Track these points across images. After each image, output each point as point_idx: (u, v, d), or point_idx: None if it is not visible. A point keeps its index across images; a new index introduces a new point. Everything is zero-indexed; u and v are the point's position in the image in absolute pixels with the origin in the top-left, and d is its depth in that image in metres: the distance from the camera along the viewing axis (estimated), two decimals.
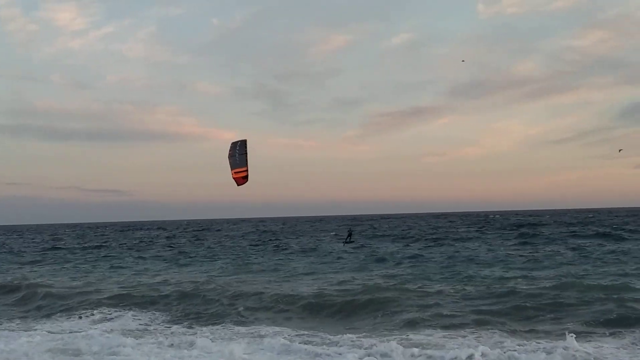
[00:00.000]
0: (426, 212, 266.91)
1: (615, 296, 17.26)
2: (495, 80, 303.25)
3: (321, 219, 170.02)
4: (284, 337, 13.91)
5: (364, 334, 14.47)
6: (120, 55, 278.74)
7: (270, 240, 57.68)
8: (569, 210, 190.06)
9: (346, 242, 46.18)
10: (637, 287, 19.19)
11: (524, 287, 19.65)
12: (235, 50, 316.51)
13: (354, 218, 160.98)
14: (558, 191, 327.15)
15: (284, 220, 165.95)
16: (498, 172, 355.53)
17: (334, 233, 65.90)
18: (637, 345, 12.60)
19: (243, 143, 15.45)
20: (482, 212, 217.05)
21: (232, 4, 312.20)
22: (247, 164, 15.27)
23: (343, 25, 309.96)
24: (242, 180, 15.29)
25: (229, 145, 15.81)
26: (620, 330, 13.80)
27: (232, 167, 15.31)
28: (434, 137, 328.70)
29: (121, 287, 24.02)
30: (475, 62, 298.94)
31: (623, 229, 52.02)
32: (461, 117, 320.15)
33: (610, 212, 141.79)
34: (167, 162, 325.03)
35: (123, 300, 20.47)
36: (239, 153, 15.27)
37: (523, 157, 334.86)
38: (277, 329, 15.51)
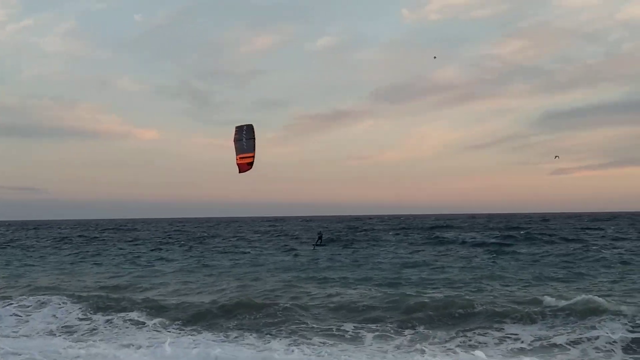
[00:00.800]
0: (348, 214, 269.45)
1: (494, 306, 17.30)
2: (418, 85, 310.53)
3: (236, 220, 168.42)
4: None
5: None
6: (38, 49, 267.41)
7: (181, 241, 56.09)
8: (487, 215, 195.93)
9: (317, 245, 44.44)
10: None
11: (416, 293, 19.50)
12: (158, 47, 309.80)
13: (275, 219, 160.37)
14: (477, 196, 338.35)
15: (202, 221, 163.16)
16: (419, 176, 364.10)
17: (234, 238, 64.48)
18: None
19: (250, 127, 14.58)
20: (403, 215, 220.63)
21: (156, 0, 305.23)
22: (254, 149, 14.41)
23: (268, 26, 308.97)
24: (246, 166, 14.42)
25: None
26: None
27: (238, 151, 14.40)
28: (356, 141, 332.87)
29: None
30: (398, 66, 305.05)
31: (542, 234, 53.44)
32: (384, 120, 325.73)
33: (526, 216, 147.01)
34: (85, 159, 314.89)
35: None
36: (246, 137, 14.44)
37: (443, 162, 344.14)
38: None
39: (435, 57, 44.73)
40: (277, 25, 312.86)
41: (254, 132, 14.52)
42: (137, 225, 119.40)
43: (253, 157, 14.40)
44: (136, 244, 50.34)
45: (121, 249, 44.78)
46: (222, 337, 14.03)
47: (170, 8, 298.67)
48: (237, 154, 14.41)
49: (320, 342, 13.16)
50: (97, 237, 64.14)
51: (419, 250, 37.60)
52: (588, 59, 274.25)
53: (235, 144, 14.49)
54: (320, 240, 46.17)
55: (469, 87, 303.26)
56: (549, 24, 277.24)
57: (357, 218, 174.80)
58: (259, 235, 64.64)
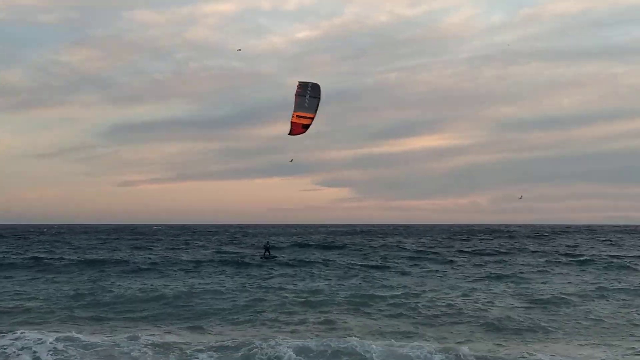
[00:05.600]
0: None
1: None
2: None
3: None
4: None
5: None
6: None
7: None
8: (50, 226, 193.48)
9: (265, 257, 40.98)
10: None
11: None
12: None
13: None
14: (42, 206, 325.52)
15: None
16: None
17: None
18: None
19: (316, 86, 12.71)
20: None
21: None
22: (316, 111, 12.42)
23: None
24: (300, 129, 12.35)
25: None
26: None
27: (298, 108, 12.40)
28: None
29: None
30: None
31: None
32: None
33: (95, 228, 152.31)
34: None
35: None
36: (310, 95, 12.60)
37: (6, 169, 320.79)
38: None
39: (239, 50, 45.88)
40: None
41: (320, 92, 12.70)
42: None
43: (312, 119, 12.43)
44: None
45: None
46: None
47: None
48: (294, 110, 12.39)
49: None
50: None
51: None
52: (156, 74, 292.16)
53: (296, 98, 12.49)
54: (268, 252, 42.63)
55: (35, 93, 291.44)
56: (120, 37, 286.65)
57: None
58: None
